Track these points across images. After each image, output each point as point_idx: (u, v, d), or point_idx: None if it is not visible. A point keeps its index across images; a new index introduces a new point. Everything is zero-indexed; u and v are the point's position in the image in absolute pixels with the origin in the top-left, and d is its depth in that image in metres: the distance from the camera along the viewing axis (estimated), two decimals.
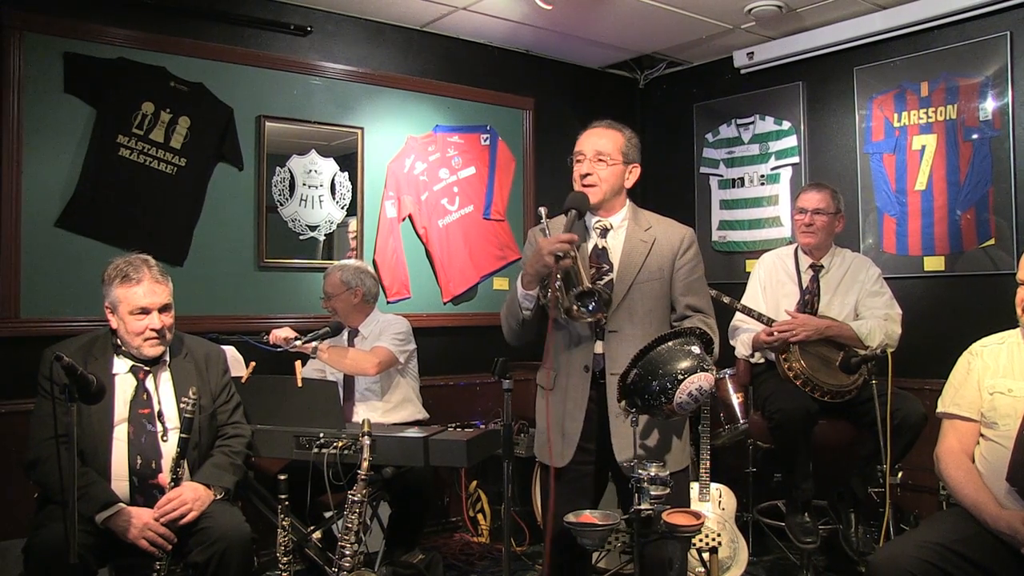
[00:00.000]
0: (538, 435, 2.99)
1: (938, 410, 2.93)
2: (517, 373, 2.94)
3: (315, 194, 4.82)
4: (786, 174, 5.40)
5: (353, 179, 4.96)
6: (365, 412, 4.08)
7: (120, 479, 2.95)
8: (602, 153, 2.88)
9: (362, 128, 4.99)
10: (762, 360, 4.18)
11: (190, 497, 2.92)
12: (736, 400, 4.43)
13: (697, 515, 2.51)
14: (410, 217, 5.17)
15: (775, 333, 3.89)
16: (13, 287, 3.94)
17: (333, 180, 4.90)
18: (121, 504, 2.87)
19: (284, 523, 3.23)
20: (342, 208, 4.92)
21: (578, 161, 2.91)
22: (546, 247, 2.67)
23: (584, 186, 2.87)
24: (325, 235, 4.87)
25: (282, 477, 3.23)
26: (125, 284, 3.01)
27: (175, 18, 4.39)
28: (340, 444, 3.38)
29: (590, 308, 2.67)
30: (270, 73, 4.68)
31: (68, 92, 4.09)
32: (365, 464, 3.13)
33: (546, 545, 2.91)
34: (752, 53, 5.44)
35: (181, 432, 2.95)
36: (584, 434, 2.82)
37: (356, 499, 3.15)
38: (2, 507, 3.80)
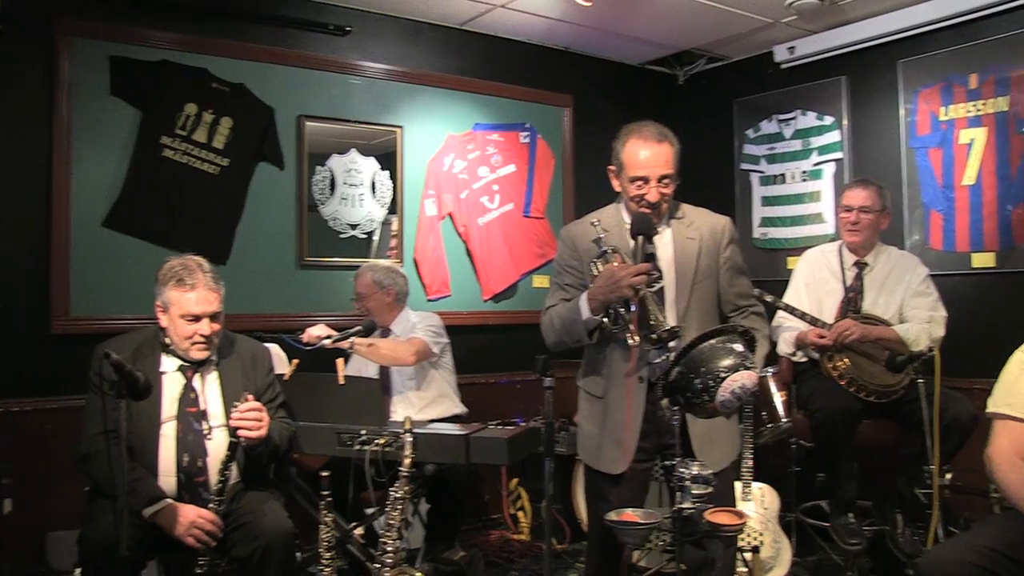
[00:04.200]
0: (585, 440, 2.98)
1: (988, 409, 2.87)
2: (559, 371, 2.92)
3: (355, 193, 4.85)
4: (829, 170, 5.33)
5: (393, 178, 4.98)
6: (402, 407, 4.11)
7: (168, 475, 2.98)
8: (667, 176, 2.82)
9: (401, 127, 5.01)
10: (804, 359, 4.14)
11: (267, 417, 3.04)
12: (778, 399, 4.38)
13: (740, 514, 2.49)
14: (450, 215, 5.19)
15: (827, 337, 3.84)
16: (64, 286, 4.01)
17: (373, 179, 4.93)
18: (168, 500, 2.90)
19: (326, 519, 3.24)
20: (382, 207, 4.95)
21: (639, 186, 2.81)
22: (625, 279, 2.63)
23: (650, 210, 2.82)
24: (365, 233, 4.89)
25: (324, 474, 3.25)
26: (179, 288, 3.03)
27: (216, 20, 4.45)
28: (382, 441, 3.40)
29: (665, 341, 2.62)
30: (310, 73, 4.71)
31: (114, 95, 4.16)
32: (407, 461, 3.14)
33: (590, 544, 2.91)
34: (793, 47, 5.37)
35: (231, 437, 2.97)
36: (640, 434, 2.82)
37: (398, 496, 3.16)
38: (58, 499, 3.88)
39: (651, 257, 2.81)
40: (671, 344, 2.64)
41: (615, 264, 2.75)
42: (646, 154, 2.81)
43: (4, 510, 3.80)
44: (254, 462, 3.14)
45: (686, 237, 2.86)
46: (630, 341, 2.68)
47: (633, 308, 2.66)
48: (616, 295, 2.66)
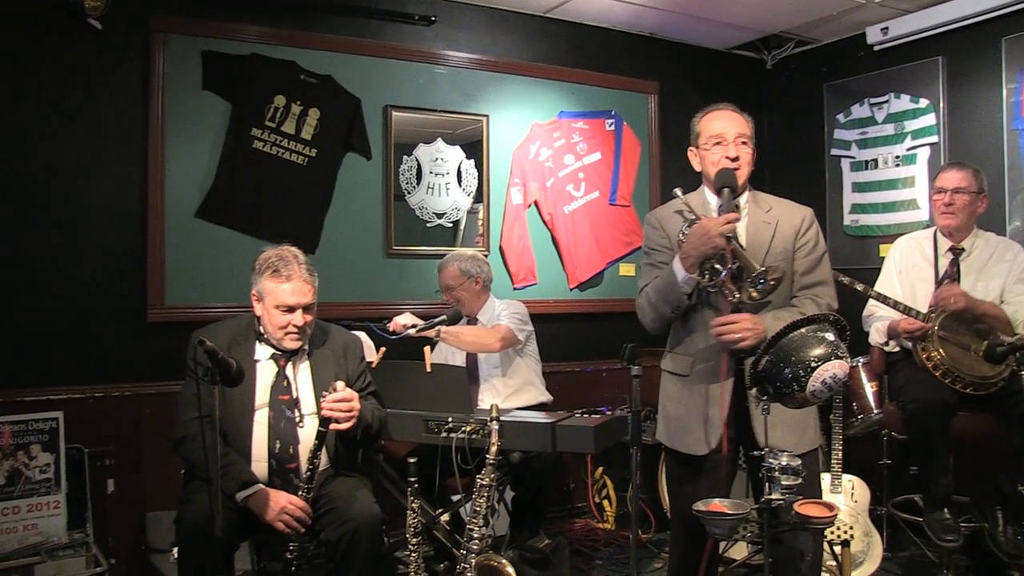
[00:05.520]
0: (669, 422, 2.96)
1: None
2: (645, 359, 2.91)
3: (441, 182, 4.89)
4: (923, 154, 5.16)
5: (479, 166, 5.01)
6: (489, 395, 4.13)
7: (260, 461, 3.05)
8: (743, 135, 2.87)
9: (487, 115, 5.03)
10: (897, 348, 4.02)
11: (357, 405, 3.06)
12: (870, 389, 4.27)
13: (830, 506, 2.44)
14: (536, 203, 5.19)
15: (932, 299, 3.72)
16: (159, 275, 4.15)
17: (459, 168, 4.96)
18: (260, 485, 2.97)
19: (413, 505, 3.28)
20: (468, 195, 4.98)
21: (718, 143, 2.87)
22: (714, 229, 2.65)
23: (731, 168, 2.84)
24: (452, 222, 4.93)
25: (411, 460, 3.30)
26: (274, 278, 3.08)
27: (304, 13, 4.53)
28: (468, 428, 3.43)
29: (762, 285, 2.63)
30: (396, 64, 4.76)
31: (206, 89, 4.27)
32: (494, 449, 3.16)
33: (674, 534, 2.89)
34: (887, 28, 5.21)
35: (320, 427, 3.02)
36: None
37: (484, 483, 3.18)
38: (158, 481, 4.03)
39: (731, 236, 2.80)
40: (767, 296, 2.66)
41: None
42: (722, 121, 2.91)
43: (107, 490, 3.97)
44: (346, 440, 3.19)
45: (762, 221, 2.87)
46: (729, 296, 2.69)
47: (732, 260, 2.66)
48: (709, 246, 2.67)
